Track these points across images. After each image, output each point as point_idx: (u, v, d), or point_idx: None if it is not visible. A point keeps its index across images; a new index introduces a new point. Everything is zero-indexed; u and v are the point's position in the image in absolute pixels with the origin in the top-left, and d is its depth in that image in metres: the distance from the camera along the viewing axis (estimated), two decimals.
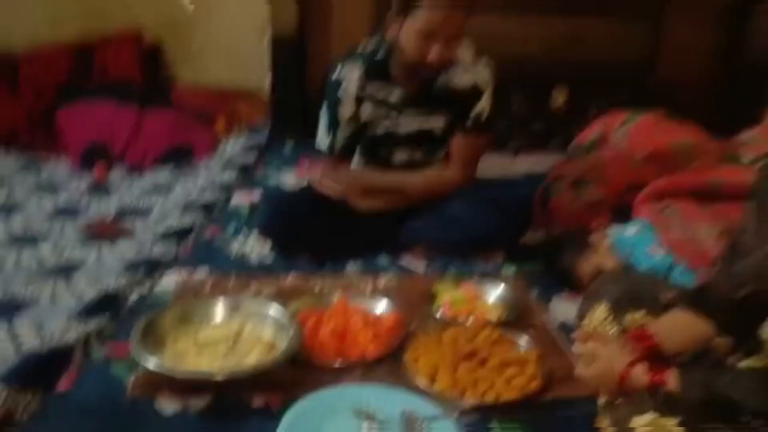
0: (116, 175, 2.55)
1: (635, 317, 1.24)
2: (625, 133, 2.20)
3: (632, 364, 1.04)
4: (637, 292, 1.29)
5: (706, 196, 1.74)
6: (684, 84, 2.73)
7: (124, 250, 1.87)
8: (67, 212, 2.18)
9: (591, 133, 2.33)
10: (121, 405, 1.18)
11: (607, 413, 0.99)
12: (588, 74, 2.89)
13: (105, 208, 2.23)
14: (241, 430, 1.14)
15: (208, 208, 2.17)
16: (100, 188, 2.42)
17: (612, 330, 1.26)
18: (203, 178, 2.47)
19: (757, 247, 1.00)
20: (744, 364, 1.01)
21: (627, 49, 2.89)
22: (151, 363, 1.18)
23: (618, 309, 1.28)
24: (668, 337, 1.07)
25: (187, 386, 1.20)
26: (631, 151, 2.11)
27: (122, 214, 2.17)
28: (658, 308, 1.20)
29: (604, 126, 2.30)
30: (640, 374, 1.02)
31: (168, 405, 1.17)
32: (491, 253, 1.86)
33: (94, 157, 2.60)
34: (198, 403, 1.18)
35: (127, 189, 2.42)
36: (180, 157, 2.66)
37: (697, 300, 1.08)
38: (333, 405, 1.17)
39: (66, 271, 1.73)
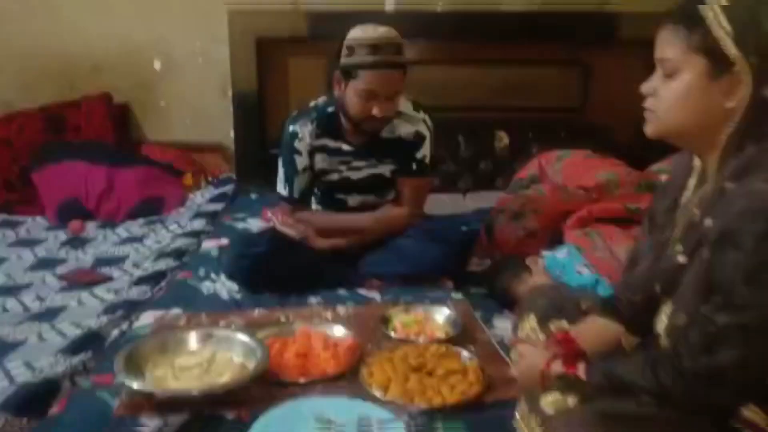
0: (91, 228, 2.70)
1: (560, 325, 1.44)
2: (559, 168, 2.46)
3: (551, 359, 1.23)
4: (560, 303, 1.49)
5: (624, 220, 1.98)
6: (610, 125, 3.01)
7: (103, 294, 2.02)
8: (47, 263, 2.32)
9: (529, 169, 2.58)
10: (108, 424, 1.31)
11: (523, 398, 1.16)
12: (528, 118, 3.15)
13: (82, 258, 2.38)
14: None
15: (179, 254, 2.33)
16: (76, 241, 2.56)
17: (540, 337, 1.45)
18: (174, 227, 2.63)
19: (645, 258, 1.21)
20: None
21: (562, 95, 3.16)
22: (135, 384, 1.34)
23: (545, 319, 1.48)
24: (586, 340, 1.27)
25: (166, 404, 1.35)
26: (564, 184, 2.36)
27: (99, 263, 2.32)
28: (578, 316, 1.41)
29: (541, 163, 2.56)
30: (558, 367, 1.20)
31: (150, 422, 1.32)
32: (440, 281, 2.04)
33: (69, 212, 2.75)
34: (177, 419, 1.33)
35: (102, 240, 2.57)
36: (151, 209, 2.81)
37: (607, 307, 1.29)
38: (297, 414, 1.33)
39: (50, 314, 1.87)
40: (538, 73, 3.14)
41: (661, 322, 1.11)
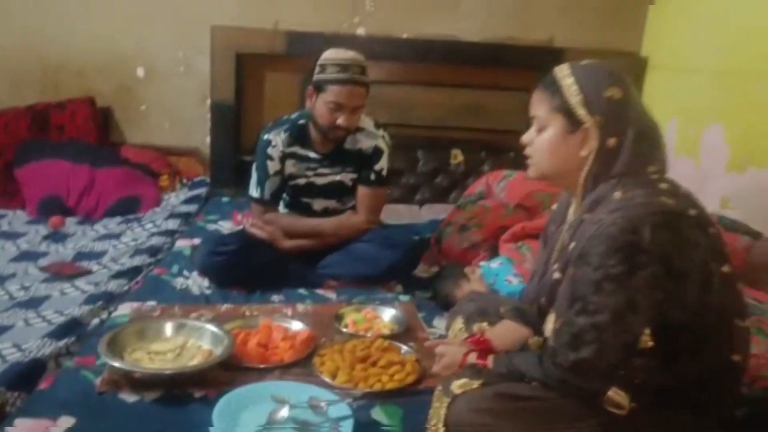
0: (70, 223, 2.88)
1: (481, 326, 1.69)
2: (503, 187, 2.71)
3: (466, 354, 1.48)
4: (485, 308, 1.75)
5: None
6: None
7: (83, 286, 2.21)
8: (29, 256, 2.50)
9: (477, 186, 2.83)
10: (91, 398, 1.52)
11: (439, 384, 1.41)
12: (482, 138, 3.42)
13: (63, 251, 2.56)
14: (184, 414, 1.49)
15: (154, 252, 2.53)
16: (56, 235, 2.74)
17: (464, 337, 1.70)
18: (150, 226, 2.82)
19: (539, 270, 1.48)
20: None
21: (513, 119, 3.42)
22: (117, 363, 1.55)
23: (470, 321, 1.73)
24: (498, 339, 1.52)
25: (143, 382, 1.56)
26: (507, 201, 2.62)
27: (79, 257, 2.51)
28: (497, 318, 1.66)
29: (488, 181, 2.81)
30: (472, 359, 1.45)
31: (128, 396, 1.53)
32: (390, 284, 2.28)
33: (50, 208, 2.92)
34: (152, 395, 1.54)
35: (81, 236, 2.75)
36: (128, 208, 3.00)
37: (517, 312, 1.55)
38: (257, 394, 1.54)
39: (35, 303, 2.06)
40: (492, 98, 3.41)
41: (548, 327, 1.37)
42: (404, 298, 2.22)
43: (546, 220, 2.27)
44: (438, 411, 1.30)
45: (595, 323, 1.20)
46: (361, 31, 3.31)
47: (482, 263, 2.18)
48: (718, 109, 2.74)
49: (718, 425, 1.29)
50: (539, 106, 1.35)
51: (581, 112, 1.28)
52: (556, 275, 1.35)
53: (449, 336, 1.79)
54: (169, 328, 1.77)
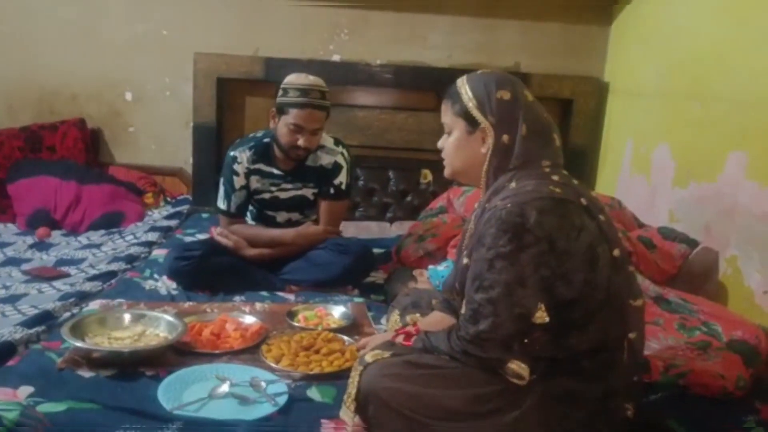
0: (56, 235, 3.06)
1: (414, 317, 1.84)
2: (462, 202, 2.88)
3: (395, 336, 1.62)
4: (418, 301, 1.90)
5: None
6: None
7: (60, 286, 2.37)
8: (14, 261, 2.67)
9: (439, 201, 3.00)
10: (52, 373, 1.66)
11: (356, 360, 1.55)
12: None
13: (46, 258, 2.73)
14: (134, 388, 1.63)
15: (131, 259, 2.69)
16: (41, 245, 2.91)
17: (399, 327, 1.84)
18: (130, 238, 2.99)
19: (456, 260, 1.63)
20: None
21: None
22: (77, 342, 1.70)
23: (404, 313, 1.88)
24: (428, 328, 1.66)
25: (100, 361, 1.71)
26: (464, 214, 2.78)
27: (60, 263, 2.67)
28: (429, 310, 1.81)
29: (449, 197, 2.98)
30: (399, 341, 1.60)
31: (85, 373, 1.68)
32: (346, 288, 2.43)
33: (38, 221, 3.10)
34: (107, 372, 1.69)
35: (65, 246, 2.92)
36: (112, 222, 3.17)
37: (446, 304, 1.70)
38: (202, 373, 1.69)
39: (13, 299, 2.22)
40: None
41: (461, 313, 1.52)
42: (358, 300, 2.36)
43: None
44: (353, 379, 1.44)
45: (490, 298, 1.34)
46: (336, 57, 3.52)
47: (431, 267, 2.33)
48: (665, 128, 2.91)
49: (606, 394, 1.42)
50: (445, 113, 1.54)
51: (476, 114, 1.46)
52: (465, 260, 1.50)
53: (388, 328, 1.93)
54: (128, 317, 1.92)
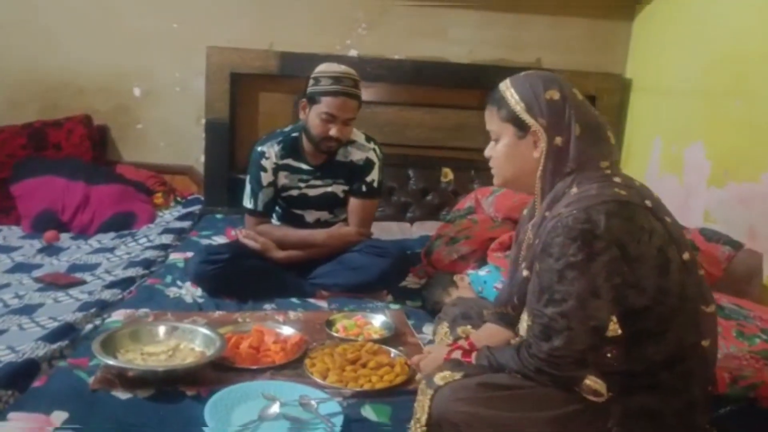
0: (65, 239, 2.91)
1: (465, 329, 1.74)
2: (491, 202, 2.78)
3: (450, 352, 1.52)
4: (468, 312, 1.80)
5: None
6: None
7: (77, 295, 2.23)
8: (24, 267, 2.53)
9: (467, 202, 2.90)
10: (84, 395, 1.54)
11: (423, 379, 1.44)
12: (471, 157, 3.48)
13: (57, 264, 2.59)
14: (177, 410, 1.52)
15: (148, 264, 2.56)
16: (51, 249, 2.77)
17: (449, 339, 1.74)
18: (143, 241, 2.86)
19: (510, 272, 1.53)
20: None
21: None
22: (110, 360, 1.58)
23: (454, 325, 1.78)
24: (481, 341, 1.56)
25: (135, 381, 1.59)
26: (495, 215, 2.68)
27: (73, 269, 2.54)
28: (480, 322, 1.70)
29: (477, 197, 2.88)
30: (456, 356, 1.49)
31: (121, 394, 1.55)
32: (380, 294, 2.32)
33: (45, 223, 2.96)
34: (144, 393, 1.57)
35: (75, 250, 2.78)
36: (122, 224, 3.04)
37: (499, 316, 1.60)
38: (247, 392, 1.57)
39: (29, 310, 2.09)
40: (483, 118, 3.46)
41: (522, 326, 1.42)
42: (394, 306, 2.26)
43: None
44: (422, 403, 1.33)
45: (563, 311, 1.25)
46: (353, 52, 3.40)
47: (470, 271, 2.23)
48: (698, 127, 2.82)
49: (687, 408, 1.33)
50: (491, 120, 1.44)
51: (526, 117, 1.36)
52: (525, 273, 1.41)
53: (436, 340, 1.83)
54: (162, 330, 1.81)
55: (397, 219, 3.35)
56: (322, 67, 2.28)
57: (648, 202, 1.32)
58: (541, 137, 1.36)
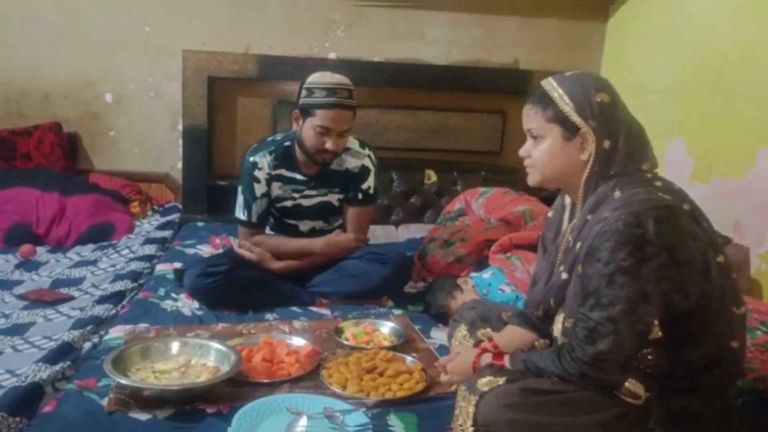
0: (41, 252, 2.78)
1: (485, 332, 1.73)
2: (482, 203, 2.79)
3: (479, 355, 1.51)
4: (486, 314, 1.79)
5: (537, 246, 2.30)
6: (522, 167, 3.38)
7: (68, 311, 2.13)
8: (3, 284, 2.39)
9: (456, 204, 2.90)
10: (101, 419, 1.47)
11: (463, 384, 1.43)
12: (453, 159, 3.50)
13: (38, 279, 2.47)
14: (200, 429, 1.46)
15: (135, 276, 2.47)
16: (28, 264, 2.64)
17: (469, 342, 1.73)
18: (126, 252, 2.76)
19: (542, 275, 1.53)
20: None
21: (483, 139, 3.53)
22: (125, 380, 1.51)
23: (473, 327, 1.77)
24: (505, 343, 1.56)
25: (152, 401, 1.52)
26: (487, 216, 2.69)
27: (57, 284, 2.42)
28: (500, 325, 1.70)
29: (466, 198, 2.88)
30: (487, 360, 1.49)
31: (140, 415, 1.48)
32: (381, 300, 2.29)
33: (18, 236, 2.81)
34: (164, 412, 1.50)
35: (55, 264, 2.65)
36: (101, 235, 2.92)
37: (521, 318, 1.60)
38: (271, 407, 1.53)
39: (21, 329, 1.98)
40: (462, 119, 3.50)
41: (557, 328, 1.42)
42: (397, 311, 2.24)
43: (533, 230, 2.40)
44: (465, 410, 1.32)
45: (610, 316, 1.26)
46: (332, 55, 3.36)
47: (473, 274, 2.23)
48: (679, 124, 2.90)
49: (725, 408, 1.36)
50: (533, 119, 1.42)
51: (576, 119, 1.35)
52: (564, 276, 1.41)
53: (452, 344, 1.82)
54: (172, 346, 1.74)
55: (381, 222, 3.32)
56: (315, 78, 2.20)
57: (687, 206, 1.34)
58: (590, 140, 1.35)
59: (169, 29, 3.25)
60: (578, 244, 1.36)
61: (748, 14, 2.52)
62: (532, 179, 1.48)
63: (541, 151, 1.42)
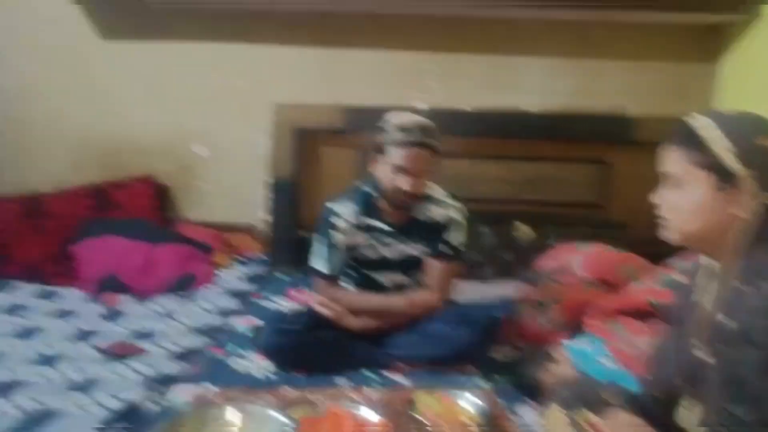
0: (125, 301, 2.79)
1: (585, 416, 1.49)
2: (578, 261, 2.53)
3: None
4: (583, 393, 1.55)
5: (646, 313, 2.04)
6: (625, 221, 3.11)
7: (139, 367, 2.08)
8: (84, 335, 2.40)
9: (550, 261, 2.65)
10: None
11: None
12: (549, 212, 3.26)
13: (117, 330, 2.46)
14: None
15: (210, 331, 2.41)
16: (112, 314, 2.65)
17: (566, 426, 1.50)
18: (205, 305, 2.72)
19: (668, 349, 1.29)
20: None
21: (582, 190, 3.28)
22: None
23: (568, 408, 1.53)
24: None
25: None
26: (584, 276, 2.43)
27: (133, 336, 2.40)
28: (600, 407, 1.46)
29: (561, 255, 2.64)
30: None
31: None
32: (464, 366, 2.09)
33: (107, 286, 2.85)
34: None
35: (136, 315, 2.65)
36: (183, 285, 2.90)
37: (630, 401, 1.36)
38: None
39: (88, 385, 1.94)
40: (559, 169, 3.27)
41: (684, 415, 1.17)
42: (480, 381, 2.02)
43: (640, 293, 2.13)
44: None
45: (762, 419, 1.01)
46: (421, 104, 3.26)
47: (566, 342, 1.99)
48: None
49: None
50: (675, 162, 1.21)
51: (735, 165, 1.13)
52: (699, 354, 1.17)
53: (548, 429, 1.58)
54: (230, 414, 1.62)
55: (469, 278, 3.12)
56: (391, 116, 2.14)
57: None
58: (749, 191, 1.13)
59: (260, 83, 3.28)
60: (724, 320, 1.12)
61: None
62: (672, 235, 1.24)
63: (683, 200, 1.20)
